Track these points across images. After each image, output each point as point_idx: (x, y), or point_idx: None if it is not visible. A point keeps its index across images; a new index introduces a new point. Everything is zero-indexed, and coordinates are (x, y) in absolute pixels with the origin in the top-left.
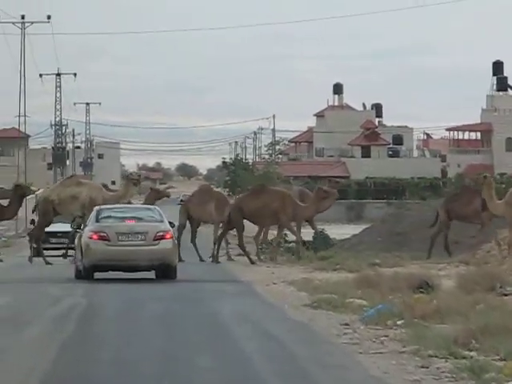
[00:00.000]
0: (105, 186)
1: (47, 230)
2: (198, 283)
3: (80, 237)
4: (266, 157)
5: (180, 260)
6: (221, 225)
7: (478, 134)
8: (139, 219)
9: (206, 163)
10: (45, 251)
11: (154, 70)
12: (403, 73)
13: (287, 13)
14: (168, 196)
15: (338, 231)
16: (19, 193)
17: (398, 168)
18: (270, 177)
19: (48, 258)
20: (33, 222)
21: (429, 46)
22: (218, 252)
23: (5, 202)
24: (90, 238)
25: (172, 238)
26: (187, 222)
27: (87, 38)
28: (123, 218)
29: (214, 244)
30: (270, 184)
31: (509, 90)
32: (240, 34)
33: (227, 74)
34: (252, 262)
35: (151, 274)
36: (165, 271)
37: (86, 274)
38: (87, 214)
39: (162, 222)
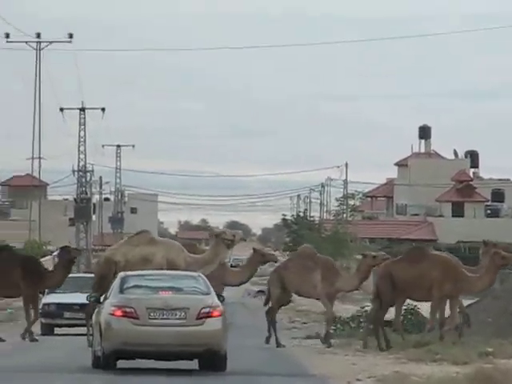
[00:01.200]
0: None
1: (59, 301)
2: (254, 378)
3: (99, 313)
4: (335, 214)
5: (278, 345)
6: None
7: None
8: (178, 290)
9: (260, 221)
10: (57, 328)
11: (201, 107)
12: (504, 115)
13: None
14: (275, 261)
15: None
16: (67, 257)
17: (499, 230)
18: (341, 238)
19: (62, 338)
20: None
21: None
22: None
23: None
24: (112, 314)
25: (221, 315)
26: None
27: (118, 63)
28: (156, 289)
29: (327, 323)
30: (341, 247)
31: None
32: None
33: (286, 116)
34: (383, 349)
35: (193, 364)
36: (211, 360)
37: (105, 363)
38: None
39: (208, 294)
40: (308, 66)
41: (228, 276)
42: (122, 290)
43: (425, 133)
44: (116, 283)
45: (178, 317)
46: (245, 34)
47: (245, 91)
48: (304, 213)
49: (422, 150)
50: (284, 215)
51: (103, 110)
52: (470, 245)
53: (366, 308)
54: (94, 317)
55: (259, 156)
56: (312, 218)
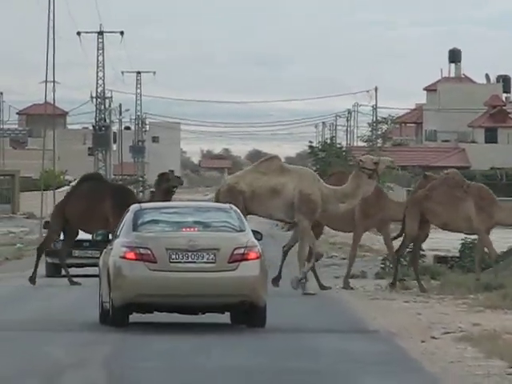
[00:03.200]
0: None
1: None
2: (302, 336)
3: (107, 254)
4: (364, 140)
5: (323, 287)
6: None
7: None
8: (205, 226)
9: (283, 150)
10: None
11: (222, 37)
12: None
13: None
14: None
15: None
16: (164, 187)
17: None
18: None
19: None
20: (47, 224)
21: None
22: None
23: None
24: (123, 257)
25: (259, 257)
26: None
27: None
28: (179, 225)
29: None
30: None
31: None
32: None
33: (309, 44)
34: (423, 290)
35: (225, 318)
36: (247, 314)
37: (115, 318)
38: (300, 219)
39: (242, 231)
40: None
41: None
42: (135, 227)
43: (455, 56)
44: (128, 218)
45: (205, 260)
46: None
47: (270, 19)
48: (331, 139)
49: (452, 75)
50: (311, 142)
51: (122, 33)
52: (508, 171)
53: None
54: (101, 260)
55: (281, 85)
56: (340, 145)
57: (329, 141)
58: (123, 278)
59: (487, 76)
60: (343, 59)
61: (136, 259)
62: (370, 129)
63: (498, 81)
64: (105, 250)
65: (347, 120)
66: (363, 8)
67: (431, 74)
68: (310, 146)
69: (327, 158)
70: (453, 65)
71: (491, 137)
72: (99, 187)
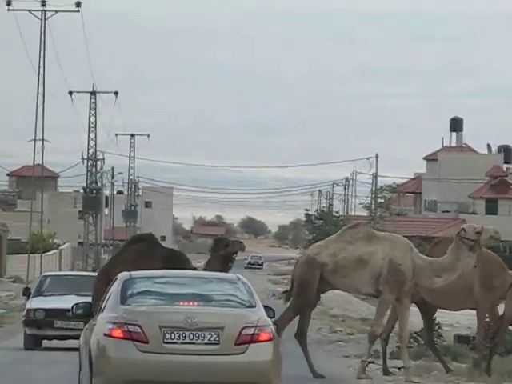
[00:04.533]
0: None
1: (48, 306)
2: None
3: (89, 332)
4: (366, 208)
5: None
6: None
7: None
8: (207, 300)
9: (276, 218)
10: (45, 341)
11: (219, 105)
12: None
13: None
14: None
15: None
16: (224, 253)
17: None
18: None
19: (52, 354)
20: (26, 290)
21: None
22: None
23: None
24: (109, 335)
25: (272, 339)
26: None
27: (134, 60)
28: (175, 297)
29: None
30: None
31: None
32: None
33: (305, 114)
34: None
35: None
36: None
37: None
38: (384, 290)
39: (252, 306)
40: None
41: None
42: (123, 299)
43: (456, 125)
44: (115, 288)
45: (207, 340)
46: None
47: (268, 87)
48: (329, 208)
49: (454, 144)
50: (307, 210)
51: (116, 94)
52: (510, 244)
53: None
54: (81, 338)
55: (276, 153)
56: (337, 214)
57: (326, 209)
58: (107, 360)
59: (489, 146)
60: (340, 130)
61: (123, 338)
62: (369, 197)
63: (499, 151)
64: (86, 325)
65: (345, 188)
66: (361, 80)
67: (431, 144)
68: (307, 214)
69: (324, 227)
70: (454, 134)
71: (492, 208)
72: (150, 250)
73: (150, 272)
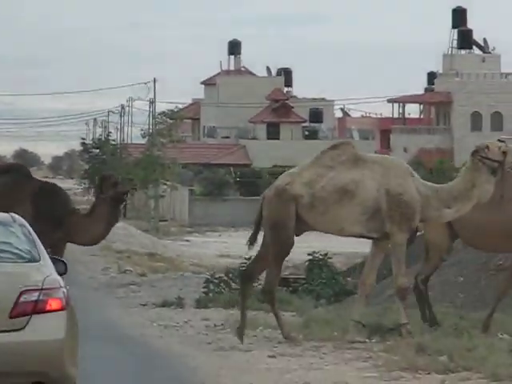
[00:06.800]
0: None
1: None
2: None
3: None
4: (149, 134)
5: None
6: None
7: (432, 108)
8: None
9: (50, 150)
10: None
11: None
12: (301, 42)
13: None
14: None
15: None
16: (111, 194)
17: (318, 152)
18: (155, 162)
19: None
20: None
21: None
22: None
23: None
24: None
25: (65, 307)
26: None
27: None
28: None
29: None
30: (153, 172)
31: (474, 48)
32: None
33: (77, 44)
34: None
35: None
36: None
37: None
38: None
39: (35, 261)
40: None
41: None
42: None
43: (234, 48)
44: None
45: None
46: None
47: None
48: (106, 137)
49: (232, 68)
50: (83, 139)
51: None
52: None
53: None
54: None
55: (44, 85)
56: (114, 142)
57: (103, 138)
58: None
59: (268, 69)
60: (116, 59)
61: None
62: (148, 124)
63: (278, 74)
64: None
65: (120, 116)
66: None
67: (210, 69)
68: (83, 143)
69: (101, 156)
70: (232, 57)
71: (274, 132)
72: (20, 185)
73: None
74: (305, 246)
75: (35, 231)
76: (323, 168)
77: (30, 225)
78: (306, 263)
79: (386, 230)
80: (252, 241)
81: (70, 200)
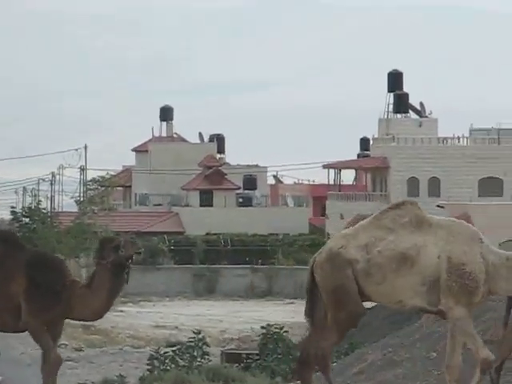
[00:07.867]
0: None
1: None
2: None
3: None
4: (80, 202)
5: None
6: None
7: (367, 173)
8: None
9: None
10: None
11: None
12: (235, 109)
13: None
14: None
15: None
16: (113, 260)
17: (252, 219)
18: (86, 230)
19: None
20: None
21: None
22: None
23: None
24: None
25: None
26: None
27: None
28: None
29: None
30: (84, 241)
31: (411, 112)
32: None
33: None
34: None
35: None
36: None
37: None
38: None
39: None
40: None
41: None
42: None
43: (166, 114)
44: None
45: None
46: None
47: None
48: (37, 204)
49: (165, 134)
50: (13, 208)
51: None
52: (231, 236)
53: None
54: None
55: None
56: (44, 210)
57: (38, 205)
58: None
59: (200, 135)
60: (44, 127)
61: None
62: (78, 191)
63: (211, 140)
64: None
65: (51, 184)
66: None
67: (142, 136)
68: (13, 212)
69: (32, 224)
70: (164, 123)
71: (207, 199)
72: (11, 255)
73: None
74: (246, 316)
75: (30, 308)
76: (382, 230)
77: (24, 301)
78: (259, 337)
79: (441, 306)
80: (309, 313)
81: (67, 269)
